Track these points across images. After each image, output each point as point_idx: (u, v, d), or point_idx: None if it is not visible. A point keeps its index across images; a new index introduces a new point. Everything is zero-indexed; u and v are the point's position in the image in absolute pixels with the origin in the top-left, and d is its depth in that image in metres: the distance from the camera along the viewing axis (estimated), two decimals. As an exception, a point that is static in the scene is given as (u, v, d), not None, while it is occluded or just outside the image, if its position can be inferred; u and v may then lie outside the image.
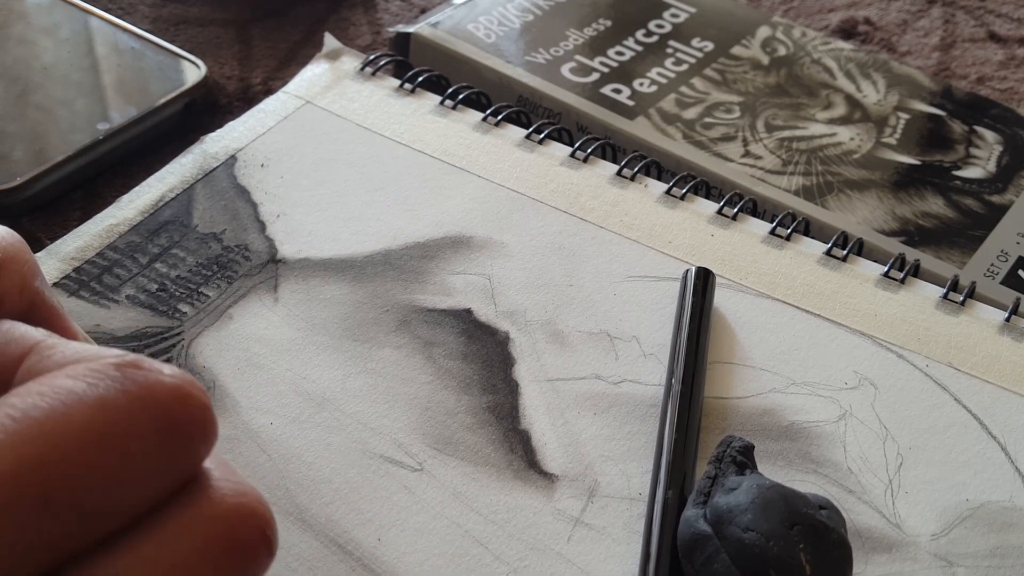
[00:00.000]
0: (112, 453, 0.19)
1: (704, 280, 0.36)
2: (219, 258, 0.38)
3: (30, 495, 0.18)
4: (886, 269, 0.38)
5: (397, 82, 0.45)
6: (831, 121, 0.46)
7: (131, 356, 0.20)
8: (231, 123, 0.43)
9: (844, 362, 0.35)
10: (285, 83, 0.46)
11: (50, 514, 0.18)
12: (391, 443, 0.32)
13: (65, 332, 0.25)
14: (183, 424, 0.20)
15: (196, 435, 0.20)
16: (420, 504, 0.31)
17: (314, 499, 0.31)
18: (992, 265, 0.40)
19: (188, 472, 0.20)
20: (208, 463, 0.21)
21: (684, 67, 0.48)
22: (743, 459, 0.29)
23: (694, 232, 0.39)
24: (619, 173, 0.41)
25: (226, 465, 0.21)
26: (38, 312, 0.25)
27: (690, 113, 0.45)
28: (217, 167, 0.41)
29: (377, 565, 0.29)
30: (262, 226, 0.39)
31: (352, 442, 0.32)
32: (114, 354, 0.20)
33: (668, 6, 0.52)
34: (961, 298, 0.37)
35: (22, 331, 0.22)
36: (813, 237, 0.40)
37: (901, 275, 0.38)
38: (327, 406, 0.33)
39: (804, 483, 0.32)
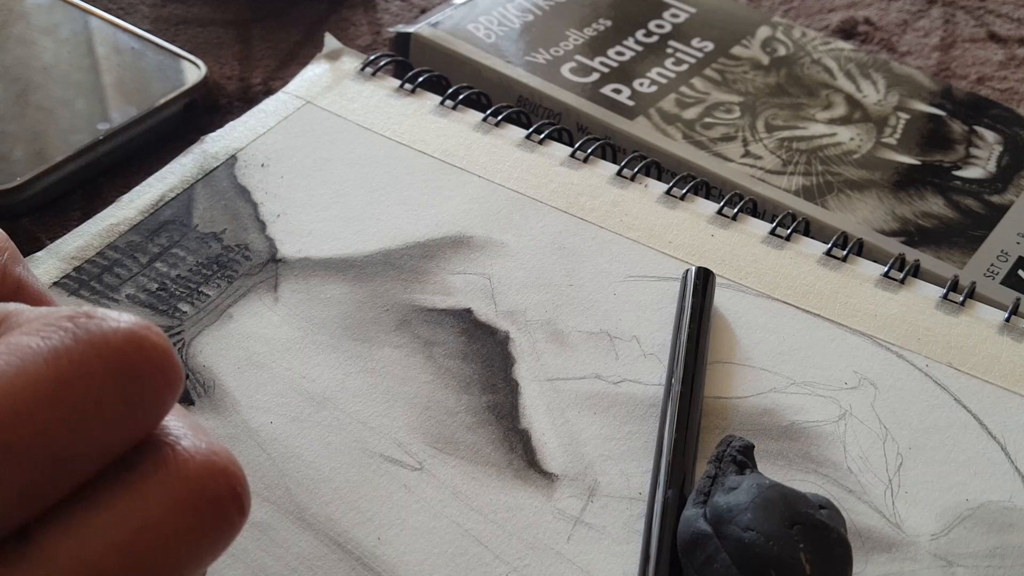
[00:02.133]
0: (68, 400, 0.19)
1: (704, 280, 0.36)
2: (219, 257, 0.38)
3: None
4: (886, 269, 0.38)
5: (397, 82, 0.45)
6: (831, 121, 0.46)
7: (85, 308, 0.20)
8: (231, 123, 0.43)
9: (844, 362, 0.35)
10: (285, 83, 0.46)
11: (14, 462, 0.18)
12: (391, 442, 0.32)
13: None
14: (139, 367, 0.20)
15: (155, 377, 0.20)
16: (420, 503, 0.31)
17: (314, 498, 0.31)
18: (992, 265, 0.40)
19: (154, 416, 0.21)
20: (180, 424, 0.21)
21: (684, 67, 0.48)
22: (743, 459, 0.29)
23: (694, 232, 0.39)
24: (619, 173, 0.41)
25: (199, 427, 0.22)
26: (25, 298, 0.25)
27: (690, 113, 0.45)
28: (217, 167, 0.41)
29: (377, 564, 0.29)
30: (262, 226, 0.39)
31: (352, 441, 0.32)
32: (69, 308, 0.21)
33: (668, 6, 0.52)
34: (961, 298, 0.37)
35: None
36: (813, 237, 0.40)
37: (901, 275, 0.38)
38: (327, 405, 0.33)
39: (804, 483, 0.32)
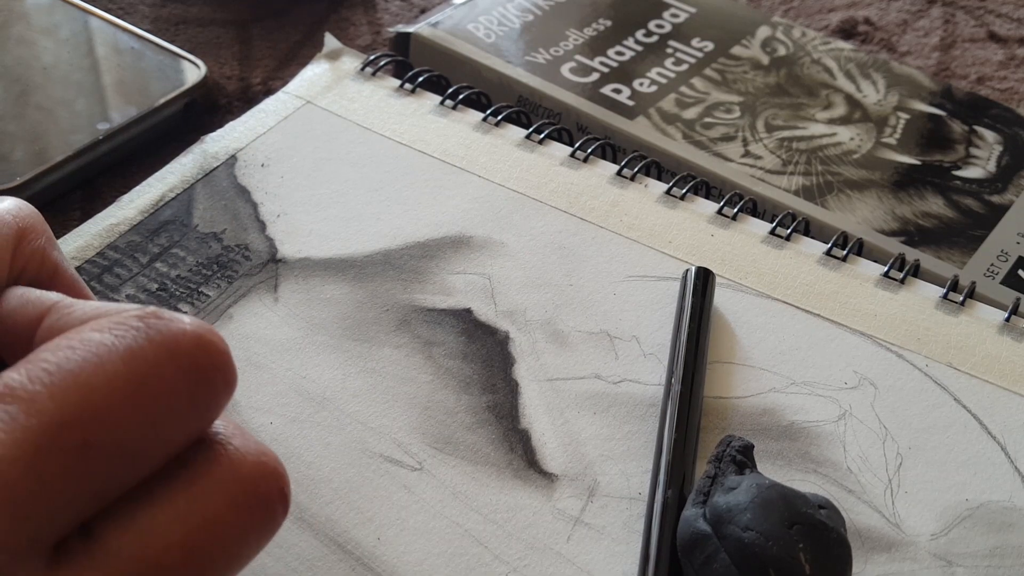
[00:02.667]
0: (143, 399, 0.20)
1: (704, 280, 0.36)
2: (219, 258, 0.38)
3: (72, 441, 0.19)
4: (886, 269, 0.38)
5: (397, 82, 0.45)
6: (831, 121, 0.46)
7: (151, 308, 0.21)
8: (231, 123, 0.43)
9: (844, 362, 0.35)
10: (285, 83, 0.46)
11: (90, 458, 0.19)
12: (391, 442, 0.32)
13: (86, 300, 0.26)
14: (206, 369, 0.21)
15: (218, 380, 0.21)
16: (420, 503, 0.31)
17: (314, 498, 0.31)
18: (992, 265, 0.40)
19: (211, 416, 0.21)
20: (227, 424, 0.22)
21: (684, 67, 0.48)
22: (743, 459, 0.29)
23: (694, 232, 0.39)
24: (619, 173, 0.41)
25: (242, 428, 0.23)
26: (60, 281, 0.26)
27: (690, 113, 0.45)
28: (217, 167, 0.41)
29: (377, 564, 0.29)
30: (262, 226, 0.39)
31: (352, 441, 0.32)
32: (134, 307, 0.21)
33: (668, 6, 0.52)
34: (961, 298, 0.37)
35: (38, 294, 0.23)
36: (813, 237, 0.40)
37: (901, 275, 0.38)
38: (327, 405, 0.33)
39: (804, 483, 0.32)
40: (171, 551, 0.20)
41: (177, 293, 0.36)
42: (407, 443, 0.32)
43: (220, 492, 0.21)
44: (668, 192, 0.41)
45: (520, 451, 0.32)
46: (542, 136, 0.43)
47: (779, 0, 0.56)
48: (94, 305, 0.22)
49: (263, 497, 0.21)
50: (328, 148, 0.42)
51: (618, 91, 0.46)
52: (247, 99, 0.47)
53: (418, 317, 0.36)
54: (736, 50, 0.49)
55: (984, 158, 0.45)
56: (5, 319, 0.23)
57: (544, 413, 0.33)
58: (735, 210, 0.40)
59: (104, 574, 0.19)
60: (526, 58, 0.47)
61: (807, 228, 0.41)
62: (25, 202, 0.26)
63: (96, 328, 0.20)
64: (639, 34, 0.50)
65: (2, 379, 0.19)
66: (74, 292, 0.26)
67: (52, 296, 0.23)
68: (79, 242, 0.38)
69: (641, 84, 0.47)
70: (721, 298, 0.37)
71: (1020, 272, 0.40)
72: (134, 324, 0.20)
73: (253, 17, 0.52)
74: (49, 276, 0.26)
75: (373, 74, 0.46)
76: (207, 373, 0.21)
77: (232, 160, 0.41)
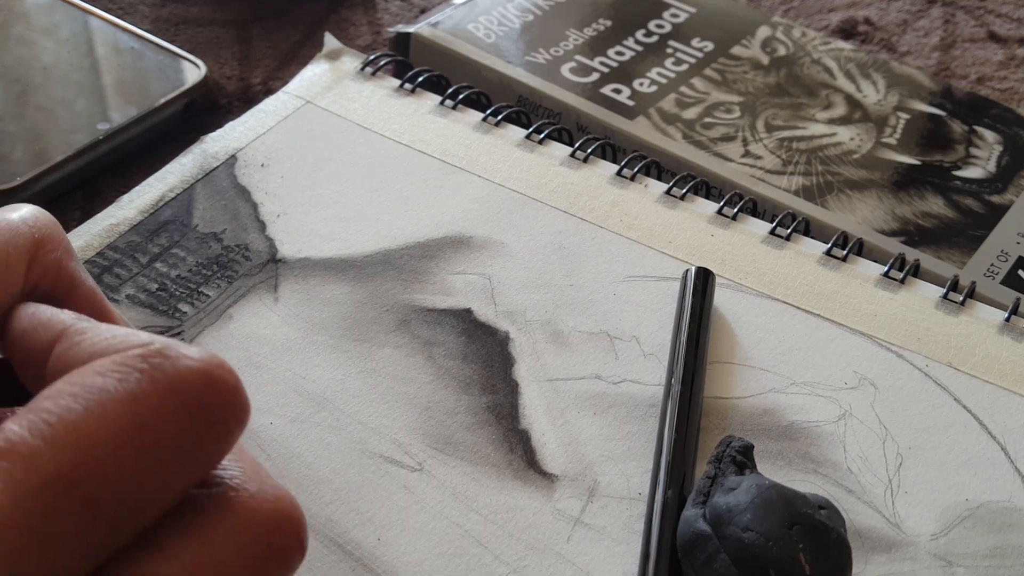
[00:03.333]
0: (148, 447, 0.19)
1: (704, 280, 0.36)
2: (219, 258, 0.38)
3: (74, 497, 0.18)
4: (886, 269, 0.38)
5: (397, 82, 0.45)
6: (831, 121, 0.46)
7: (157, 344, 0.20)
8: (231, 123, 0.43)
9: (844, 362, 0.35)
10: (285, 83, 0.46)
11: (92, 513, 0.18)
12: (391, 443, 0.32)
13: (103, 313, 0.25)
14: (214, 408, 0.20)
15: (228, 417, 0.20)
16: (420, 504, 0.31)
17: (314, 499, 0.31)
18: (992, 265, 0.40)
19: (221, 454, 0.21)
20: (240, 464, 0.21)
21: (684, 67, 0.48)
22: (743, 459, 0.29)
23: (694, 232, 0.39)
24: (619, 173, 0.41)
25: (258, 466, 0.22)
26: (77, 293, 0.25)
27: (690, 113, 0.45)
28: (217, 167, 0.41)
29: (377, 565, 0.29)
30: (262, 226, 0.39)
31: (352, 442, 0.32)
32: (141, 342, 0.20)
33: (668, 6, 0.52)
34: (961, 298, 0.37)
35: (49, 315, 0.23)
36: (813, 237, 0.40)
37: (901, 275, 0.38)
38: (327, 406, 0.33)
39: (804, 483, 0.32)
40: None
41: (177, 293, 0.36)
42: (407, 443, 0.32)
43: (233, 542, 0.20)
44: (668, 192, 0.41)
45: (520, 451, 0.32)
46: (542, 136, 0.43)
47: (779, 0, 0.56)
48: (104, 334, 0.21)
49: (278, 547, 0.21)
50: (328, 148, 0.42)
51: (618, 91, 0.46)
52: (247, 99, 0.47)
53: (418, 317, 0.36)
54: (736, 50, 0.49)
55: (984, 158, 0.45)
56: (19, 341, 0.23)
57: (544, 413, 0.33)
58: (735, 210, 0.40)
59: None
60: (526, 58, 0.47)
61: (807, 228, 0.41)
62: (43, 210, 0.25)
63: (99, 371, 0.20)
64: (639, 34, 0.50)
65: (3, 431, 0.18)
66: (92, 303, 0.25)
67: (64, 318, 0.22)
68: (79, 242, 0.38)
69: (641, 84, 0.47)
70: (721, 298, 0.37)
71: (1020, 272, 0.40)
72: (137, 365, 0.20)
73: (253, 17, 0.52)
74: (66, 288, 0.25)
75: (373, 74, 0.46)
76: (215, 412, 0.20)
77: (232, 160, 0.41)
